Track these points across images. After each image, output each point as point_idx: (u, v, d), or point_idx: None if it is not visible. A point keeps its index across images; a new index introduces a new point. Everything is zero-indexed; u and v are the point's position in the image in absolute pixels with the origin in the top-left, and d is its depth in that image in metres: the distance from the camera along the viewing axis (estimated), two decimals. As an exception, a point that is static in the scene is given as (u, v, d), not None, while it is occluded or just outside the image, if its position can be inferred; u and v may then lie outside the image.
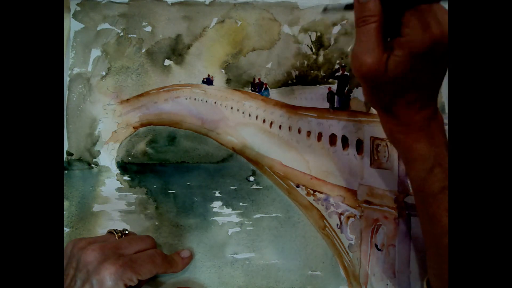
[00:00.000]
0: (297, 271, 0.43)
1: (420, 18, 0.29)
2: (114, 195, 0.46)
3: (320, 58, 0.48)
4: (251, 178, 0.46)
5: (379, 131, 0.45)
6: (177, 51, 0.49)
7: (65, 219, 0.45)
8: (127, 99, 0.48)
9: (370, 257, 0.43)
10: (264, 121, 0.47)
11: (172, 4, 0.49)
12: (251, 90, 0.48)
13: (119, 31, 0.49)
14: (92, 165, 0.46)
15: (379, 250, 0.43)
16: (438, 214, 0.33)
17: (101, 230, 0.44)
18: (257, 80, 0.48)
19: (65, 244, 0.38)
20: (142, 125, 0.48)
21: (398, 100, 0.32)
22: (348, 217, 0.44)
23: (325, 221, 0.45)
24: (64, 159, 0.46)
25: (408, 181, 0.44)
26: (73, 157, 0.46)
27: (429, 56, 0.29)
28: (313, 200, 0.45)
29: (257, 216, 0.45)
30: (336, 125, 0.46)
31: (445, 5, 0.29)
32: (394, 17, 0.29)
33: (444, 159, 0.33)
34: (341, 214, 0.45)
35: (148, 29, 0.49)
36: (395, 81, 0.30)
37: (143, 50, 0.49)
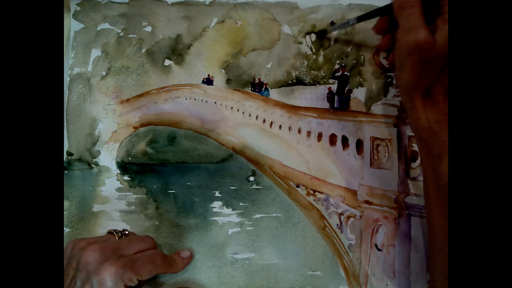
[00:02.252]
0: (297, 271, 0.43)
1: None
2: (114, 195, 0.46)
3: (320, 58, 0.48)
4: (251, 178, 0.46)
5: (379, 131, 0.45)
6: (177, 51, 0.49)
7: (65, 219, 0.45)
8: (127, 99, 0.48)
9: (370, 257, 0.43)
10: (264, 121, 0.47)
11: (172, 4, 0.49)
12: (251, 90, 0.48)
13: (119, 31, 0.49)
14: (92, 165, 0.46)
15: (379, 250, 0.43)
16: (434, 214, 0.34)
17: (101, 230, 0.44)
18: (257, 80, 0.48)
19: (65, 244, 0.38)
20: (142, 125, 0.48)
21: (441, 80, 0.34)
22: (348, 217, 0.44)
23: (325, 221, 0.45)
24: (64, 159, 0.46)
25: (409, 182, 0.44)
26: (73, 157, 0.46)
27: None
28: (313, 200, 0.45)
29: (257, 216, 0.45)
30: (336, 125, 0.46)
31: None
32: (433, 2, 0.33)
33: None
34: (341, 214, 0.45)
35: (148, 29, 0.49)
36: (443, 56, 0.32)
37: (143, 50, 0.49)
